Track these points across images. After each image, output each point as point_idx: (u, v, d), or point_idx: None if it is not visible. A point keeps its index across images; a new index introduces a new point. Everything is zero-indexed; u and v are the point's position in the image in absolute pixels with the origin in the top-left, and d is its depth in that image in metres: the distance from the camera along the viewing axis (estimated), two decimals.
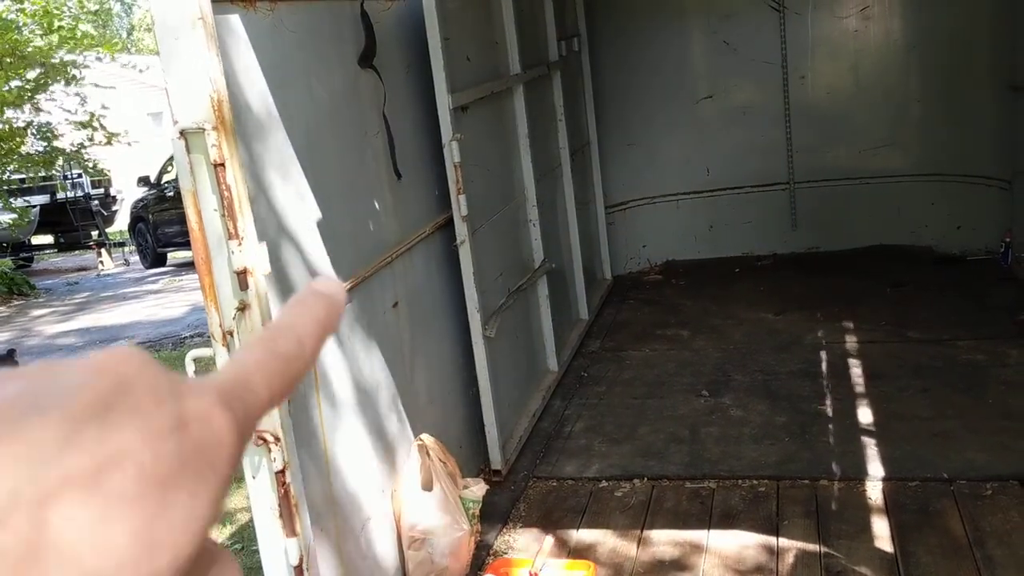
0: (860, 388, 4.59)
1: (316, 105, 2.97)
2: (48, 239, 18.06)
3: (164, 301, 11.03)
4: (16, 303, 12.61)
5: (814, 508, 3.60)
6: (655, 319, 5.96)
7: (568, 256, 5.64)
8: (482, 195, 4.06)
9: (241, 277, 2.31)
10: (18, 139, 14.31)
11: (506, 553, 3.55)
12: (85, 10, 16.23)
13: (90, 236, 16.42)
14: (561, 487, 4.01)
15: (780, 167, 6.76)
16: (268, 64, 2.66)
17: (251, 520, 2.87)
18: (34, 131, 14.65)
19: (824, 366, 4.92)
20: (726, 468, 3.97)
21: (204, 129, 2.25)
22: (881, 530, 3.42)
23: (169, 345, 7.79)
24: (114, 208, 18.04)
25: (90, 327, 9.84)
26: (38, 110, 14.57)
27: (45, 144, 14.79)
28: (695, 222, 6.99)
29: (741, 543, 3.45)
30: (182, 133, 2.28)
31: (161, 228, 14.21)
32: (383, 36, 3.41)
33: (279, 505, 2.41)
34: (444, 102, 3.67)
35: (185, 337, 7.97)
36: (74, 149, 15.39)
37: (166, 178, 14.20)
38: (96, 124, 14.84)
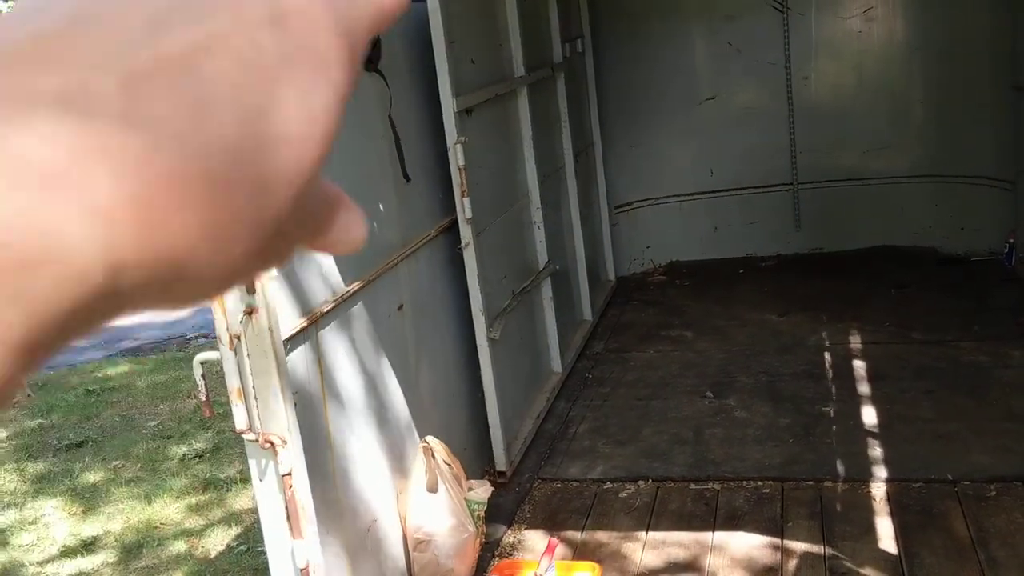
0: (864, 389, 4.60)
1: None
2: None
3: None
4: None
5: (818, 509, 3.61)
6: (659, 320, 5.96)
7: (572, 258, 5.65)
8: (486, 197, 4.07)
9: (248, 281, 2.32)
10: None
11: (511, 555, 3.56)
12: None
13: None
14: (566, 488, 4.02)
15: (784, 168, 6.77)
16: None
17: (257, 522, 2.89)
18: None
19: (828, 367, 4.93)
20: (730, 469, 3.98)
21: None
22: (885, 531, 3.43)
23: (175, 346, 7.81)
24: None
25: None
26: None
27: None
28: (699, 223, 6.99)
29: (746, 544, 3.46)
30: None
31: None
32: (388, 40, 3.42)
33: (286, 508, 2.43)
34: (449, 105, 3.68)
35: (191, 337, 7.98)
36: None
37: None
38: None
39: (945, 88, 6.37)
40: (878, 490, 3.70)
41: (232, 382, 2.41)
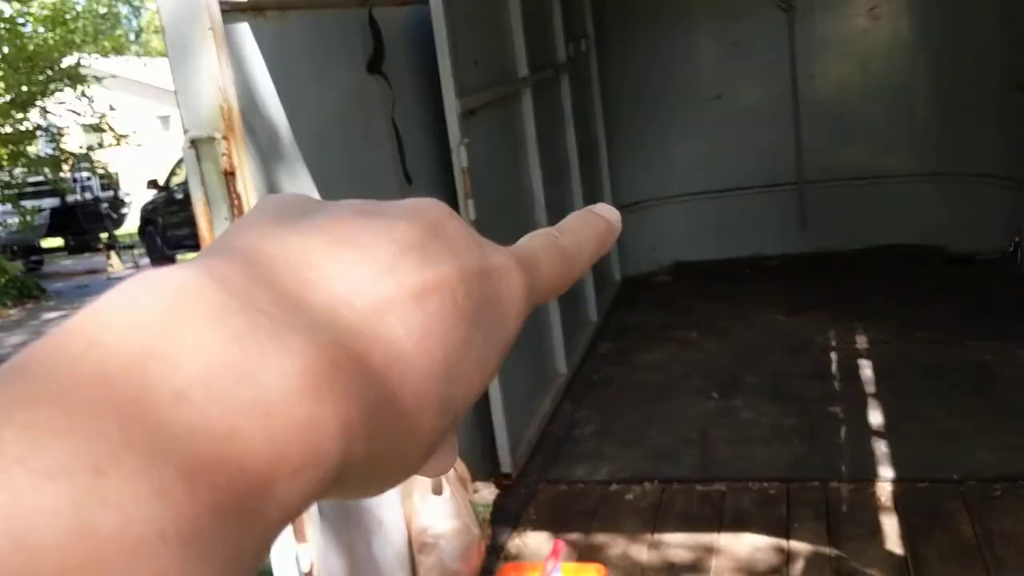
0: (870, 389, 4.59)
1: (325, 112, 2.98)
2: (58, 242, 18.13)
3: None
4: (28, 306, 12.68)
5: (824, 510, 3.60)
6: (665, 321, 5.95)
7: None
8: (491, 199, 4.06)
9: None
10: (26, 141, 14.37)
11: (517, 557, 3.56)
12: (94, 13, 16.30)
13: (99, 239, 16.48)
14: (571, 490, 4.02)
15: (790, 167, 6.75)
16: (277, 72, 2.67)
17: None
18: (43, 133, 14.72)
19: (834, 367, 4.91)
20: (736, 470, 3.97)
21: (215, 138, 2.27)
22: (891, 531, 3.42)
23: None
24: (123, 210, 18.13)
25: None
26: (47, 112, 14.64)
27: (53, 146, 14.86)
28: (704, 223, 6.98)
29: (752, 545, 3.45)
30: (193, 142, 2.30)
31: (170, 231, 14.25)
32: (391, 42, 3.42)
33: None
34: (452, 107, 3.67)
35: None
36: (83, 152, 15.46)
37: (175, 181, 14.25)
38: (105, 126, 14.90)
39: (951, 86, 6.35)
40: (884, 490, 3.69)
41: None
